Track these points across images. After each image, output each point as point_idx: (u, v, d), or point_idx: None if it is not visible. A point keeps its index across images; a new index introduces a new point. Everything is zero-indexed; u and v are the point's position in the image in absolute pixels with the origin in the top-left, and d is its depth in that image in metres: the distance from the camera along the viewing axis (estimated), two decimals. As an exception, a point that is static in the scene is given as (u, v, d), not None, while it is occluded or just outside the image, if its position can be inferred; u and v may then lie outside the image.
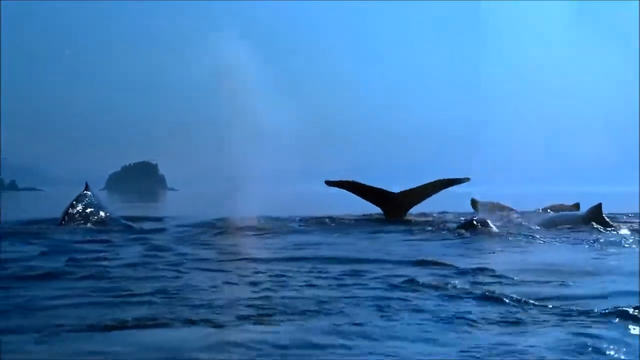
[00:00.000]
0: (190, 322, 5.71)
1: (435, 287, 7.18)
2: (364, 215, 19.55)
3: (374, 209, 20.05)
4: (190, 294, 6.89)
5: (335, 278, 7.95)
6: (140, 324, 5.66)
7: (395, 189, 19.66)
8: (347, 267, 8.70)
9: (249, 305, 6.34)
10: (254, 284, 7.56)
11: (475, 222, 13.16)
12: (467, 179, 19.36)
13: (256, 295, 6.82)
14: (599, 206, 16.35)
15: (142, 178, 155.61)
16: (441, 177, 19.38)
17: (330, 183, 20.04)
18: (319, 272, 8.43)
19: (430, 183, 19.48)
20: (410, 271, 8.37)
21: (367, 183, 19.68)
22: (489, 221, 13.26)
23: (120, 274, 8.17)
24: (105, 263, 9.23)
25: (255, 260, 9.70)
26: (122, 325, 5.61)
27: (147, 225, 15.97)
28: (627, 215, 20.03)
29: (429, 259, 9.51)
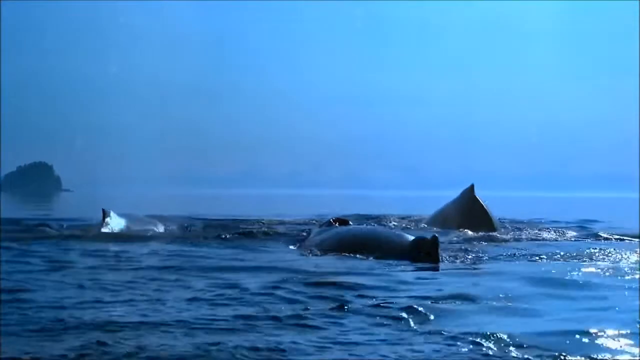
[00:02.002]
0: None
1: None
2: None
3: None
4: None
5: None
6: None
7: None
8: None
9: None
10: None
11: (332, 221, 13.27)
12: None
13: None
14: (471, 187, 15.92)
15: (37, 179, 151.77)
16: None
17: None
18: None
19: None
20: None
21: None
22: (348, 220, 13.60)
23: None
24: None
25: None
26: None
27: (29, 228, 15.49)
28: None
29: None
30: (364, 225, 16.22)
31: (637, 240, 13.84)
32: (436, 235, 9.88)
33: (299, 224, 17.27)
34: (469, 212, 15.60)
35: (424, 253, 9.65)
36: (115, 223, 14.02)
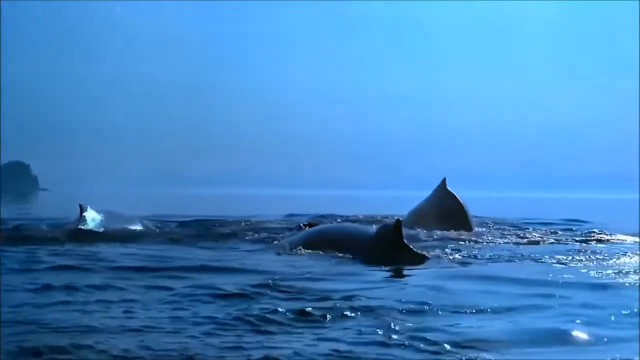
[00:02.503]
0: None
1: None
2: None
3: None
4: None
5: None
6: None
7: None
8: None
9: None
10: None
11: (302, 226, 13.33)
12: None
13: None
14: (443, 181, 16.07)
15: (13, 178, 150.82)
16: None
17: None
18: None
19: None
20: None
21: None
22: (319, 224, 13.55)
23: None
24: None
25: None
26: None
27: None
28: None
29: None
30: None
31: (620, 241, 13.75)
32: (399, 219, 9.73)
33: (278, 225, 17.16)
34: (444, 206, 15.60)
35: (388, 240, 9.57)
36: (92, 219, 13.94)
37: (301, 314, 5.91)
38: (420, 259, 9.53)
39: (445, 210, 15.43)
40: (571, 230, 16.89)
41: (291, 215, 21.18)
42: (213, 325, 5.55)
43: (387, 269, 8.98)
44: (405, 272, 8.90)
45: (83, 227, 13.45)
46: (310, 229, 12.38)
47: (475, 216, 19.23)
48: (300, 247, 10.92)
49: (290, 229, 13.94)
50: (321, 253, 10.32)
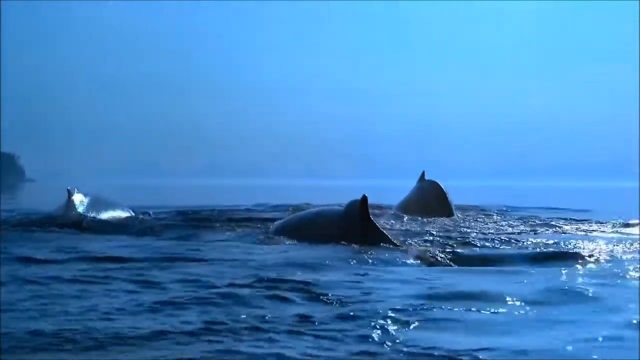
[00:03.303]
0: None
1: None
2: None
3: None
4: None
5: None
6: None
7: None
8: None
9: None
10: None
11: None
12: None
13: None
14: (422, 174, 16.91)
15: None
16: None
17: None
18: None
19: None
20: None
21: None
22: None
23: None
24: None
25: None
26: None
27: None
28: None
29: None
30: None
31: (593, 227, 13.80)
32: (365, 195, 9.69)
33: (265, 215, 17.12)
34: (426, 194, 16.32)
35: (355, 216, 9.63)
36: (80, 202, 13.91)
37: (288, 312, 5.54)
38: (387, 239, 9.53)
39: (428, 198, 15.93)
40: (554, 218, 16.72)
41: (277, 205, 21.12)
42: (192, 319, 5.30)
43: (368, 258, 8.61)
44: (386, 262, 8.48)
45: (72, 213, 13.33)
46: (289, 216, 12.45)
47: (471, 206, 19.74)
48: (278, 235, 10.91)
49: (269, 219, 13.90)
50: (298, 239, 10.23)
